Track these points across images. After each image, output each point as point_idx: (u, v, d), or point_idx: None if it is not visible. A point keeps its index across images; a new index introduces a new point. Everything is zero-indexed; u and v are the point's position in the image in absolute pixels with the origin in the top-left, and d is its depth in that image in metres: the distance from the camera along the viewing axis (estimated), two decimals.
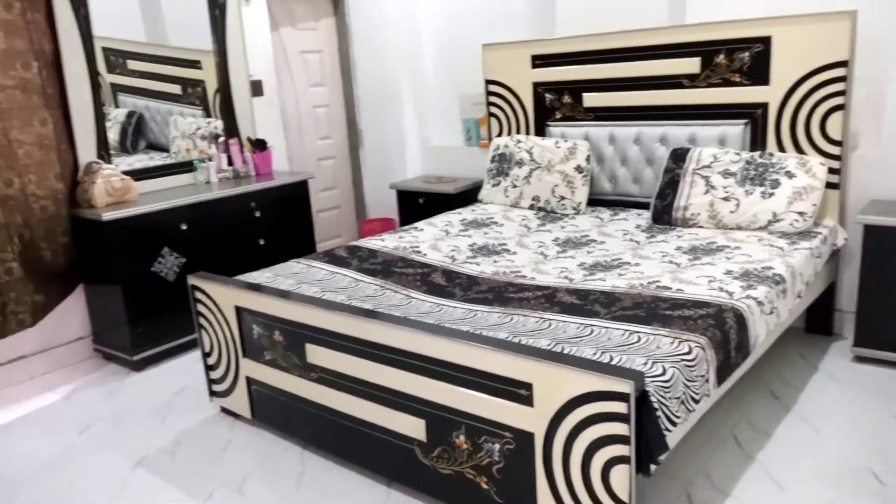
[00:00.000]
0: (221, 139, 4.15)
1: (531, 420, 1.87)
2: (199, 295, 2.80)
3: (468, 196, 4.34)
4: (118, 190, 3.46)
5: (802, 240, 2.96)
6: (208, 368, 2.90)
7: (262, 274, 2.97)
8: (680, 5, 3.69)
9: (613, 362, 1.91)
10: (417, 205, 4.55)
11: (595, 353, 1.97)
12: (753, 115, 3.35)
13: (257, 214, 3.96)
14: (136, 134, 3.92)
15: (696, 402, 1.99)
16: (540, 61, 4.02)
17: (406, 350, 2.11)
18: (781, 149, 3.30)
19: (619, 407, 1.69)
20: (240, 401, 2.81)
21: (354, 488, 2.39)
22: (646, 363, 1.89)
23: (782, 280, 2.56)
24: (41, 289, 3.35)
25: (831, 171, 3.16)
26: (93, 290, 3.61)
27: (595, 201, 3.87)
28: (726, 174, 3.21)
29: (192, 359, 3.52)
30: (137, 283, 3.43)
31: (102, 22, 3.56)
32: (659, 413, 1.78)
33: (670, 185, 3.35)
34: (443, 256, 3.12)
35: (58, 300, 3.47)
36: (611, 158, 3.84)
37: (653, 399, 1.77)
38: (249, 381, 2.74)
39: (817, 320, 3.39)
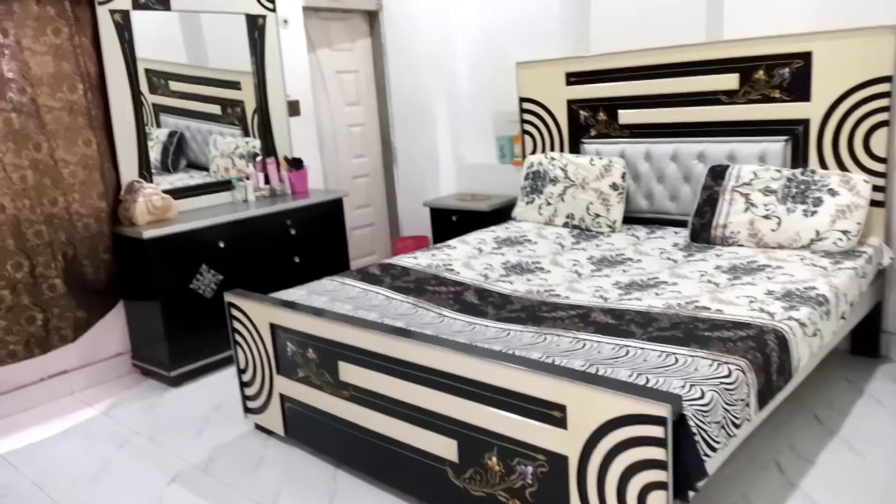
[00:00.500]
0: (259, 158, 4.22)
1: (565, 443, 1.83)
2: (234, 312, 2.83)
3: (502, 214, 4.33)
4: (158, 208, 3.54)
5: (846, 259, 2.87)
6: (243, 385, 2.93)
7: (297, 291, 2.99)
8: (718, 21, 3.64)
9: (649, 385, 1.87)
10: (451, 222, 4.55)
11: (630, 375, 1.93)
12: (794, 132, 3.28)
13: (293, 232, 4.01)
14: (178, 153, 4.01)
15: (737, 426, 1.93)
16: (574, 78, 4.00)
17: (438, 369, 2.10)
18: (824, 166, 3.22)
19: (655, 431, 1.65)
20: (273, 418, 2.82)
21: None
22: (683, 386, 1.85)
23: (826, 301, 2.49)
24: (83, 305, 3.43)
25: (876, 188, 3.07)
26: (132, 306, 3.68)
27: (631, 219, 3.82)
28: (767, 191, 3.14)
29: (228, 375, 3.56)
30: (176, 300, 3.49)
31: (146, 45, 3.66)
32: (697, 438, 1.73)
33: (709, 202, 3.30)
34: (476, 274, 3.10)
35: (99, 316, 3.55)
36: (647, 176, 3.80)
37: (691, 423, 1.72)
38: (283, 398, 2.75)
39: (863, 342, 3.28)
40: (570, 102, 4.05)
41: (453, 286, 2.95)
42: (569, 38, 4.25)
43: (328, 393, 2.52)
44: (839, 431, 2.66)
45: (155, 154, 3.85)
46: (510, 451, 1.97)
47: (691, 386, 1.85)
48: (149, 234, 3.36)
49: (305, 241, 4.08)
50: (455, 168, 5.02)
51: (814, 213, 3.00)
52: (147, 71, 3.74)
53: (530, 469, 1.94)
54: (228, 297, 2.84)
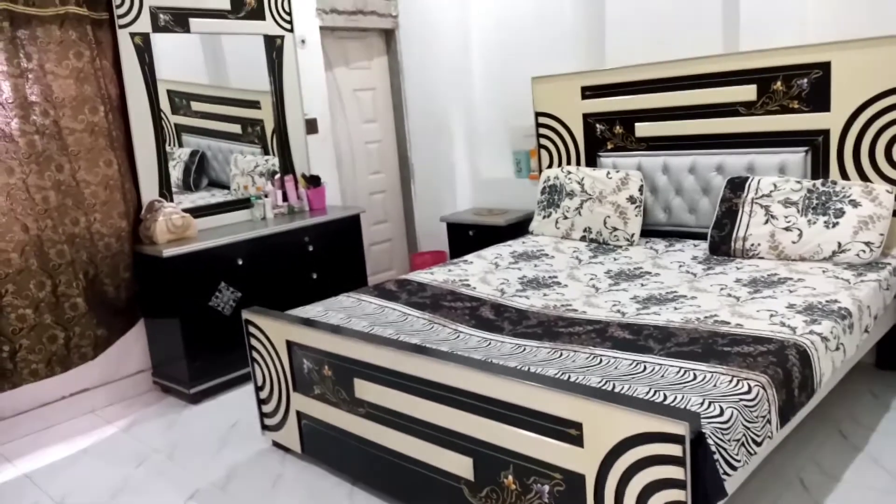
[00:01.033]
0: (277, 176, 4.25)
1: (582, 461, 1.81)
2: (252, 329, 2.85)
3: (519, 228, 4.31)
4: (178, 227, 3.58)
5: (870, 271, 2.81)
6: (260, 402, 2.93)
7: (314, 308, 3.00)
8: (734, 33, 3.62)
9: (667, 402, 1.84)
10: (468, 237, 4.55)
11: (648, 392, 1.90)
12: (814, 143, 3.24)
13: (311, 249, 4.03)
14: (199, 172, 4.06)
15: (758, 444, 1.89)
16: (590, 92, 3.99)
17: (453, 386, 2.09)
18: (845, 176, 3.17)
19: (673, 449, 1.62)
20: (290, 435, 2.82)
21: None
22: (702, 403, 1.82)
23: (849, 314, 2.44)
24: (104, 323, 3.47)
25: None
26: (153, 324, 3.72)
27: (649, 232, 3.79)
28: (787, 203, 3.10)
29: (247, 392, 3.57)
30: (195, 318, 3.52)
31: (168, 66, 3.73)
32: (717, 456, 1.70)
33: (728, 214, 3.26)
34: (492, 290, 3.09)
35: (119, 334, 3.59)
36: (665, 188, 3.77)
37: (710, 441, 1.69)
38: (300, 415, 2.75)
39: (889, 356, 3.21)
40: (587, 116, 4.04)
41: (469, 301, 2.94)
42: (584, 52, 4.24)
43: (344, 410, 2.52)
44: (865, 447, 2.59)
45: (177, 173, 3.90)
46: (526, 470, 1.95)
47: (710, 403, 1.82)
48: (168, 252, 3.40)
49: (323, 257, 4.10)
50: (472, 183, 5.02)
51: (835, 224, 2.95)
52: (169, 92, 3.81)
53: (547, 488, 1.91)
54: (246, 315, 2.86)
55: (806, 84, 3.21)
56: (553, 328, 2.53)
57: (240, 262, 3.68)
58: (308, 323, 2.67)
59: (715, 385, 1.93)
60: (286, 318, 2.73)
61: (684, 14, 3.74)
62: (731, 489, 1.81)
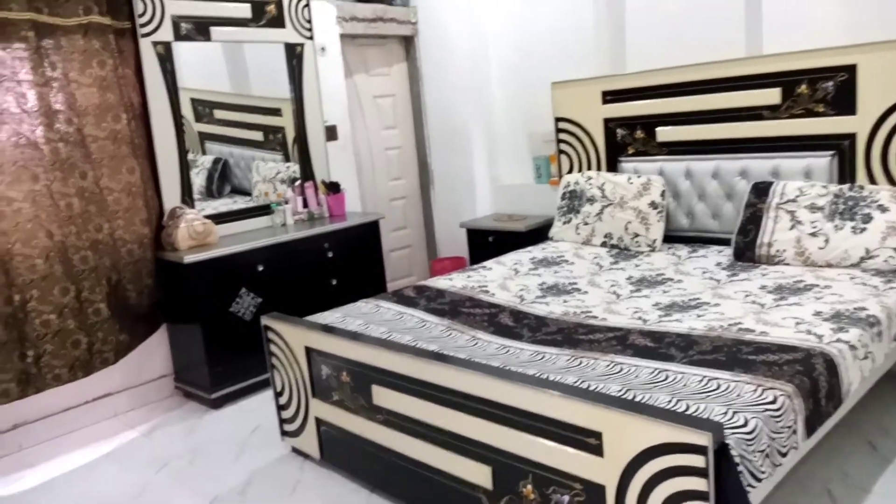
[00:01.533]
0: (297, 182, 4.27)
1: (601, 471, 1.78)
2: (271, 335, 2.85)
3: (539, 234, 4.28)
4: (200, 233, 3.60)
5: None
6: (280, 408, 2.93)
7: (333, 314, 3.00)
8: (757, 35, 3.57)
9: (690, 412, 1.80)
10: (487, 243, 4.53)
11: (670, 401, 1.87)
12: (840, 147, 3.18)
13: (330, 255, 4.03)
14: (222, 179, 4.10)
15: (783, 455, 1.85)
16: (611, 97, 3.96)
17: (471, 394, 2.07)
18: (872, 181, 3.11)
19: (696, 460, 1.59)
20: (309, 441, 2.82)
21: None
22: (725, 413, 1.78)
23: (877, 322, 2.38)
24: (126, 329, 3.50)
25: None
26: (175, 329, 3.75)
27: (671, 238, 3.74)
28: (813, 208, 3.04)
29: (267, 397, 3.57)
30: (216, 323, 3.54)
31: (191, 74, 3.76)
32: (740, 468, 1.66)
33: (752, 220, 3.20)
34: (511, 296, 3.06)
35: (140, 339, 3.61)
36: (687, 193, 3.72)
37: (733, 452, 1.65)
38: (318, 421, 2.75)
39: None
40: (607, 121, 4.01)
41: (488, 308, 2.92)
42: (604, 56, 4.21)
43: (362, 417, 2.51)
44: (895, 459, 2.53)
45: (200, 180, 3.94)
46: (545, 479, 1.92)
47: (734, 413, 1.78)
48: (190, 258, 3.42)
49: (343, 263, 4.10)
50: (491, 189, 5.01)
51: (863, 229, 2.89)
52: (193, 100, 3.84)
53: (566, 498, 1.88)
54: (265, 321, 2.87)
55: (831, 87, 3.16)
56: (573, 335, 2.50)
57: (260, 269, 3.69)
58: (327, 329, 2.67)
59: (739, 394, 1.88)
60: (305, 325, 2.73)
61: (706, 17, 3.70)
62: (756, 501, 1.76)
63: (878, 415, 2.84)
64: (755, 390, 1.90)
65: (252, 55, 4.14)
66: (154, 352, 3.75)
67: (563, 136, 4.23)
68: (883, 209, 2.89)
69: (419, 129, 5.28)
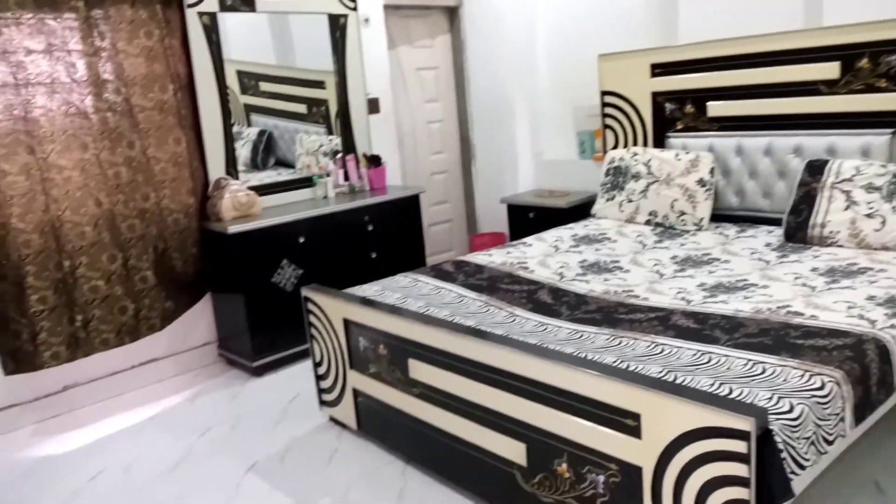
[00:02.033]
0: (339, 155, 4.28)
1: (639, 453, 1.75)
2: (310, 306, 2.88)
3: (581, 211, 4.21)
4: (244, 204, 3.64)
5: None
6: (318, 378, 2.97)
7: (371, 287, 3.01)
8: (817, 6, 3.41)
9: (732, 396, 1.75)
10: (528, 219, 4.48)
11: (712, 385, 1.82)
12: None
13: (370, 228, 4.04)
14: (267, 151, 4.13)
15: (830, 443, 1.79)
16: (660, 70, 3.84)
17: (507, 370, 2.05)
18: None
19: (738, 446, 1.55)
20: (347, 411, 2.85)
21: None
22: (770, 398, 1.72)
23: None
24: (171, 296, 3.58)
25: None
26: (218, 298, 3.82)
27: (719, 216, 3.64)
28: (870, 188, 2.91)
29: (307, 367, 3.62)
30: (258, 293, 3.59)
31: (237, 47, 3.78)
32: (784, 455, 1.61)
33: (805, 199, 3.09)
34: (551, 273, 3.02)
35: (185, 307, 3.69)
36: (738, 171, 3.60)
37: (777, 439, 1.60)
38: (356, 392, 2.77)
39: None
40: (655, 95, 3.89)
41: (527, 285, 2.89)
42: (655, 28, 4.08)
43: (399, 390, 2.52)
44: None
45: (245, 152, 3.97)
46: (581, 459, 1.90)
47: (779, 398, 1.73)
48: (233, 229, 3.46)
49: (382, 236, 4.11)
50: (534, 164, 4.94)
51: None
52: (238, 73, 3.86)
53: (602, 478, 1.86)
54: (305, 292, 2.89)
55: (895, 61, 3.00)
56: (613, 314, 2.46)
57: (301, 240, 3.72)
58: (365, 302, 2.68)
59: (785, 379, 1.83)
60: (343, 297, 2.74)
61: None
62: (799, 489, 1.71)
63: None
64: (802, 375, 1.83)
65: (297, 27, 4.13)
66: (198, 320, 3.84)
67: (608, 110, 4.14)
68: None
69: (461, 103, 5.23)
